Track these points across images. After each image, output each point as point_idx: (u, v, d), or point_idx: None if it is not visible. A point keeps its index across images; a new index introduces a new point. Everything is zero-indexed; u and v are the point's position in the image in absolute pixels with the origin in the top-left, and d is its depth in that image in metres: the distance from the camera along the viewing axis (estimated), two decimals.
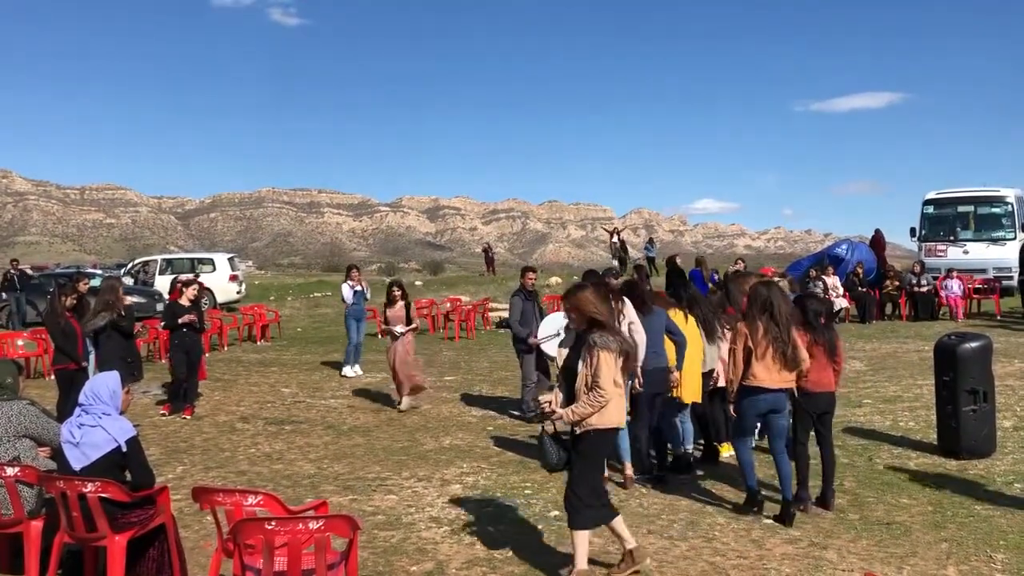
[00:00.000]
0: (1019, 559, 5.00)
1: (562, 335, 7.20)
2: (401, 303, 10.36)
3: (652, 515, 5.92)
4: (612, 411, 4.61)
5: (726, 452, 7.33)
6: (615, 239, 31.14)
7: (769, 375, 5.70)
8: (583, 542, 4.64)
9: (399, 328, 10.14)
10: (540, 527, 5.69)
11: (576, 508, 4.61)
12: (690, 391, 6.90)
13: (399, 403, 10.11)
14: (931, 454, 7.34)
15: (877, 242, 21.14)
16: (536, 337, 8.98)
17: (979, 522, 5.64)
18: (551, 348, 7.15)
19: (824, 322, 6.10)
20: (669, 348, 6.69)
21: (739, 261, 18.41)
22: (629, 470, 6.60)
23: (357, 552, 4.14)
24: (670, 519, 5.83)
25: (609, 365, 4.53)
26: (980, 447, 7.15)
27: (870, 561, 4.99)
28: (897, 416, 8.89)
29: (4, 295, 20.26)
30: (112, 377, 4.71)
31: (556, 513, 5.95)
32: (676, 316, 6.88)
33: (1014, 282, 19.07)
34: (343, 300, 13.35)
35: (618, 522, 4.75)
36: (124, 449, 4.48)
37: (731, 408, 5.94)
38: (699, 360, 6.98)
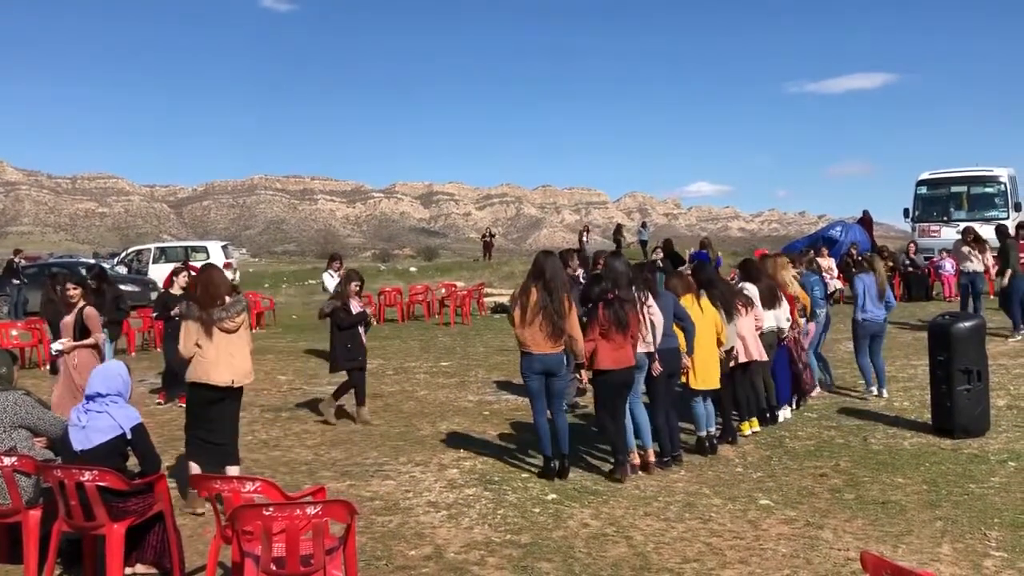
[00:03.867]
0: (1013, 536, 5.04)
1: None
2: (81, 305, 7.01)
3: (648, 497, 5.94)
4: (195, 368, 5.58)
5: (747, 430, 7.37)
6: (584, 238, 34.37)
7: (535, 340, 6.07)
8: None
9: (57, 345, 6.96)
10: (537, 510, 5.71)
11: None
12: (702, 378, 6.82)
13: None
14: (926, 433, 7.38)
15: (866, 223, 21.22)
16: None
17: (973, 500, 5.68)
18: None
19: (613, 298, 6.19)
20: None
21: (657, 249, 18.18)
22: (651, 456, 6.56)
23: (355, 537, 4.15)
24: (666, 501, 5.85)
25: (184, 331, 5.61)
26: (974, 426, 7.19)
27: (866, 540, 5.02)
28: (891, 396, 8.94)
29: (15, 281, 20.22)
30: (121, 366, 4.79)
31: (553, 496, 5.97)
32: (687, 301, 6.82)
33: None
34: (324, 288, 13.44)
35: (192, 467, 5.59)
36: (128, 436, 4.54)
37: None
38: (714, 347, 6.93)
